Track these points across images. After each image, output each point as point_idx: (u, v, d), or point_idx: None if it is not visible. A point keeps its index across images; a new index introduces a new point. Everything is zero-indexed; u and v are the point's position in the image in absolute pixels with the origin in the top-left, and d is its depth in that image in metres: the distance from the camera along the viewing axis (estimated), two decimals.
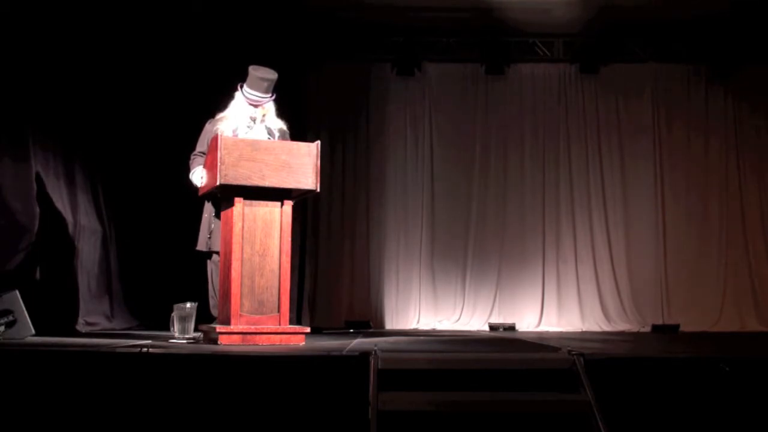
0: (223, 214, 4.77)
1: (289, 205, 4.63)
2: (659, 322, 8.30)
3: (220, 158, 4.36)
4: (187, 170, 5.07)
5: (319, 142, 4.65)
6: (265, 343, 4.41)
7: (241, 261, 4.47)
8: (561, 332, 7.98)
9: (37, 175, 5.84)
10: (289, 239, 4.61)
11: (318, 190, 4.59)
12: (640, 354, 4.25)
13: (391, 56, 8.72)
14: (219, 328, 4.40)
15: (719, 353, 4.37)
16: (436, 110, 8.84)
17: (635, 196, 8.67)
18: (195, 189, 5.01)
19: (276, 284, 4.53)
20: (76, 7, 6.37)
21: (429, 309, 8.58)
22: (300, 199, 4.92)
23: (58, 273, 6.08)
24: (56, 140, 6.19)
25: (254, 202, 4.53)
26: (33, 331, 4.77)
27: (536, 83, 8.85)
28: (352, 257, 8.65)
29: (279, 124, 5.06)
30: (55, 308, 5.84)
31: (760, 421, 3.54)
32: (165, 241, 7.40)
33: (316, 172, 4.54)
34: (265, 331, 4.44)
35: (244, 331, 4.40)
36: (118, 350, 3.82)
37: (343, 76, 8.75)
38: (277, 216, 4.59)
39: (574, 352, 3.72)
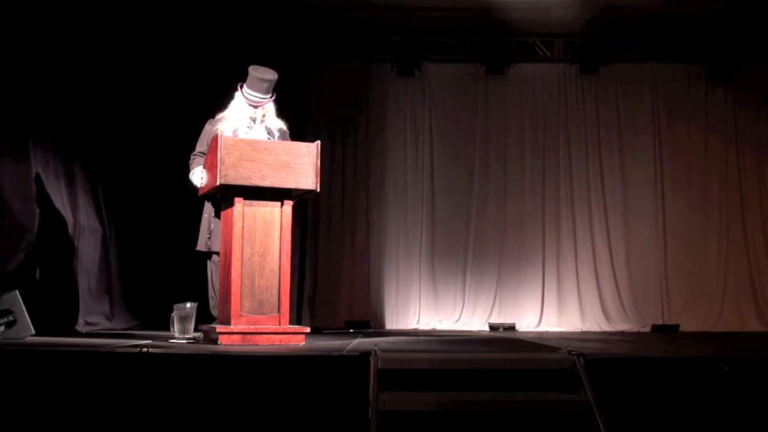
0: (223, 214, 4.77)
1: (289, 205, 4.63)
2: (659, 322, 8.30)
3: (220, 158, 4.36)
4: (187, 170, 5.07)
5: (319, 142, 4.64)
6: (265, 343, 4.41)
7: (241, 261, 4.47)
8: (561, 332, 7.97)
9: (37, 175, 5.84)
10: (289, 239, 4.61)
11: (318, 190, 4.59)
12: (640, 354, 4.24)
13: (391, 56, 8.72)
14: (219, 328, 4.40)
15: (719, 353, 4.37)
16: (436, 110, 8.84)
17: (635, 196, 8.66)
18: (195, 189, 5.00)
19: (276, 284, 4.53)
20: (76, 7, 6.37)
21: (429, 309, 8.58)
22: (300, 199, 4.92)
23: (58, 273, 6.08)
24: (56, 140, 6.18)
25: (254, 202, 4.53)
26: (33, 331, 4.77)
27: (536, 83, 8.85)
28: (352, 257, 8.65)
29: (279, 124, 5.06)
30: (55, 308, 5.84)
31: (760, 421, 3.54)
32: (165, 241, 7.40)
33: (316, 172, 4.54)
34: (265, 331, 4.44)
35: (244, 331, 4.40)
36: (118, 350, 3.82)
37: (343, 76, 8.75)
38: (277, 216, 4.59)
39: (574, 352, 3.72)
